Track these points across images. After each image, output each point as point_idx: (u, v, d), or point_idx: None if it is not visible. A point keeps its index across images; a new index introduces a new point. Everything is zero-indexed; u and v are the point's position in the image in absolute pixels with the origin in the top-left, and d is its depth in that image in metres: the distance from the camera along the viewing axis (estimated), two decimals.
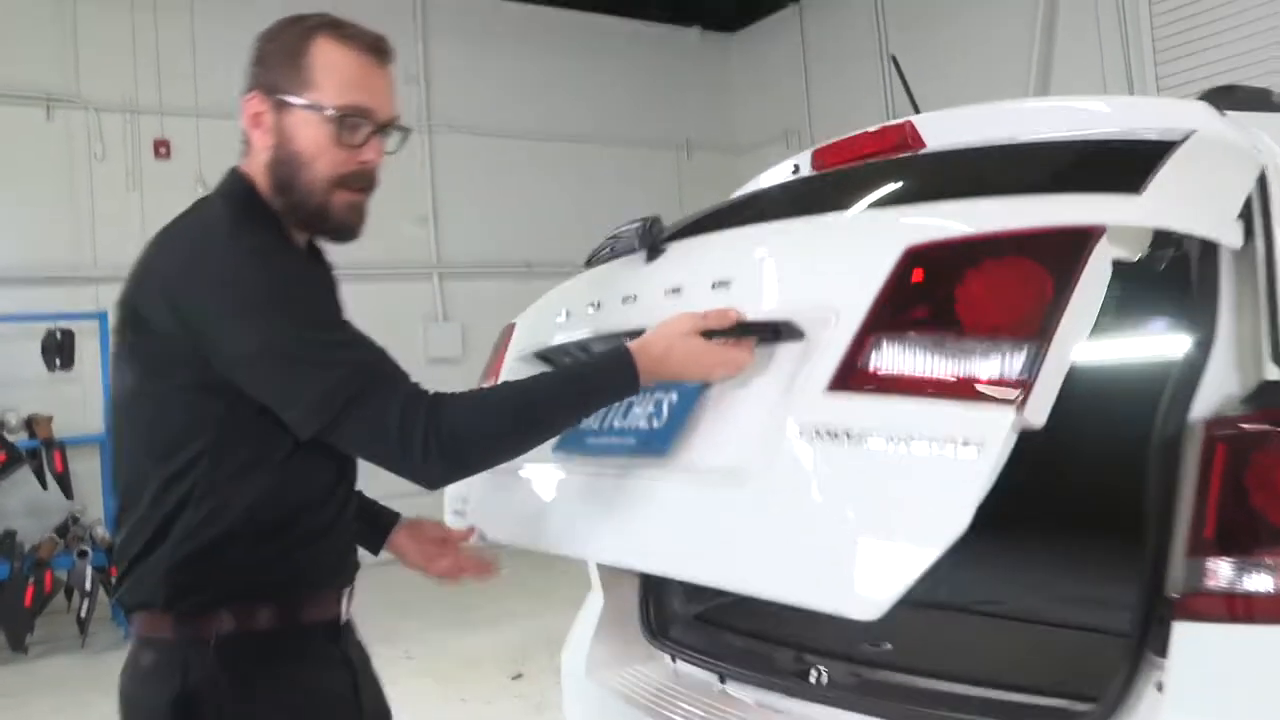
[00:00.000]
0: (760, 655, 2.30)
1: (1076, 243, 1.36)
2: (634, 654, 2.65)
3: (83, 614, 6.28)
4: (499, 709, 4.77)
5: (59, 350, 6.82)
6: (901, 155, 2.20)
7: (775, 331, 1.67)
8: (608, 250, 2.25)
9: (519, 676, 5.13)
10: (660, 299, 1.85)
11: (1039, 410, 1.29)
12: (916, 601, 2.57)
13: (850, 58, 9.84)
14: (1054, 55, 8.31)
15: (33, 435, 6.83)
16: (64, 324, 6.85)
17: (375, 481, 1.78)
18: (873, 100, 9.32)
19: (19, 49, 7.52)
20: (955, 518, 1.25)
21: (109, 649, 6.03)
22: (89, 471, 7.06)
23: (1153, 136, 1.73)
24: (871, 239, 1.67)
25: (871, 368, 1.45)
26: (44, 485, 6.82)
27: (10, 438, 6.70)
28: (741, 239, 2.02)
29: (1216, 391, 1.55)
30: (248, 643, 1.51)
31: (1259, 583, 1.40)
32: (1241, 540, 1.43)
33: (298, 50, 1.58)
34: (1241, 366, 1.57)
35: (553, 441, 1.75)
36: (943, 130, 2.19)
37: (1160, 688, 1.49)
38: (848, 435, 1.42)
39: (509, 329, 2.59)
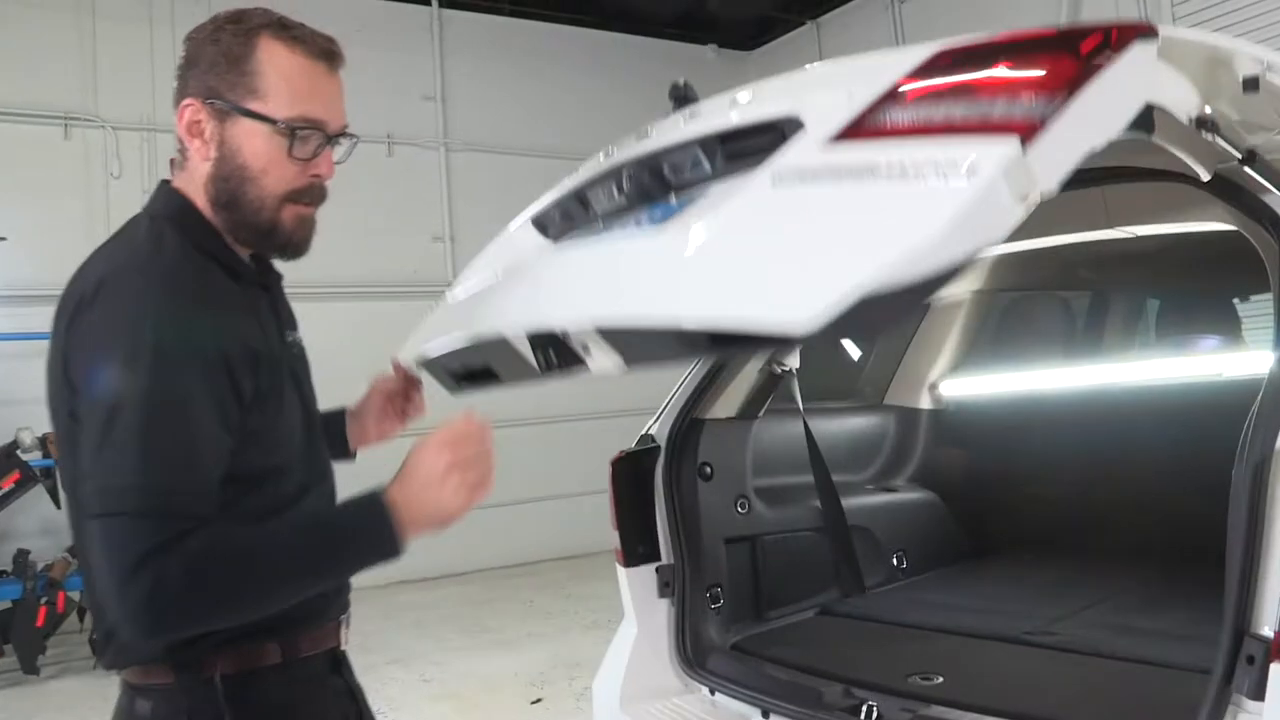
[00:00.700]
0: (806, 689, 2.20)
1: (1119, 37, 1.26)
2: (669, 686, 2.56)
3: (95, 635, 6.19)
4: None
5: None
6: None
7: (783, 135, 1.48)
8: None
9: (539, 701, 5.02)
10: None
11: (1049, 167, 1.14)
12: (968, 631, 2.52)
13: None
14: None
15: (47, 454, 6.77)
16: None
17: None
18: None
19: (38, 68, 7.50)
20: (925, 232, 1.07)
21: None
22: None
23: None
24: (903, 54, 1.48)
25: (883, 120, 1.31)
26: (58, 504, 6.74)
27: (25, 456, 6.65)
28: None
29: None
30: (251, 680, 1.43)
31: None
32: None
33: (241, 54, 1.42)
34: None
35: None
36: None
37: None
38: (843, 172, 1.26)
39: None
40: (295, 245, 1.51)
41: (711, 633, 2.61)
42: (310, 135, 1.45)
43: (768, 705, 2.24)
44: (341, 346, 8.77)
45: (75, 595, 6.36)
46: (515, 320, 1.67)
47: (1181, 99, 1.49)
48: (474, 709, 4.99)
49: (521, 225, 2.12)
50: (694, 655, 2.54)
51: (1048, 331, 3.31)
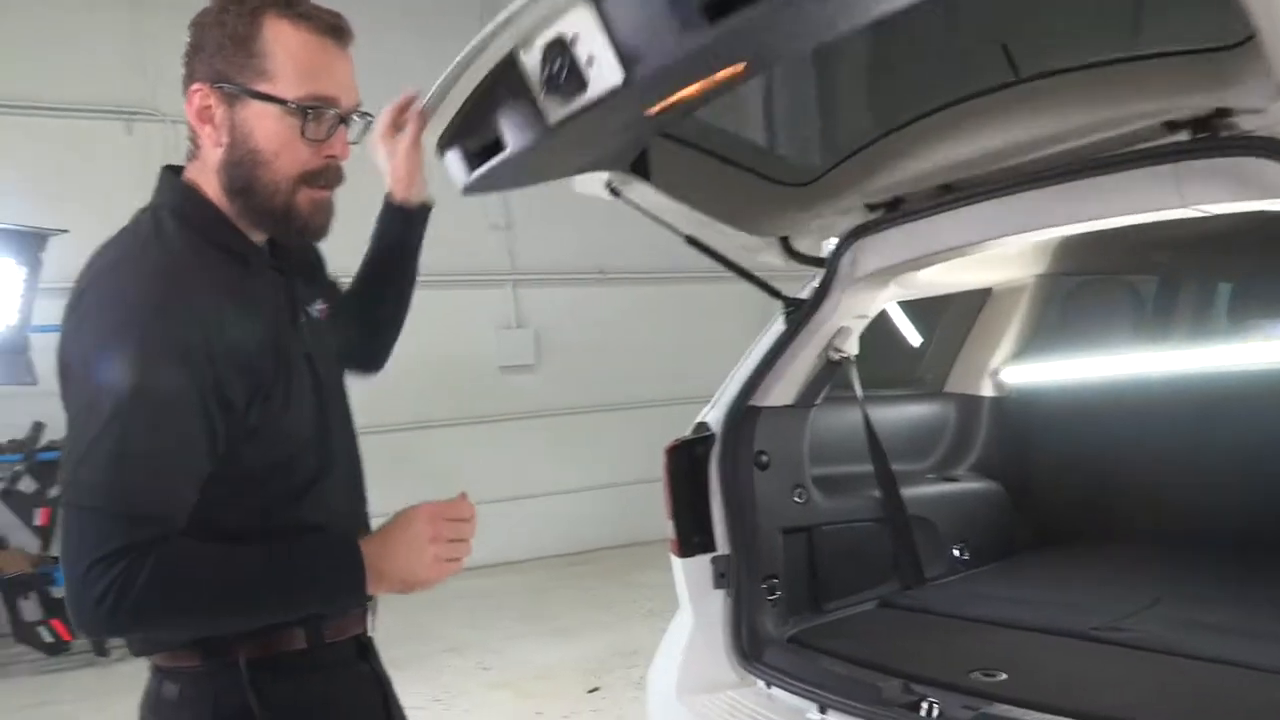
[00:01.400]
0: (865, 684, 2.16)
1: None
2: (725, 678, 2.52)
3: None
4: None
5: None
6: None
7: None
8: None
9: (596, 690, 5.03)
10: None
11: None
12: (1031, 626, 2.45)
13: None
14: None
15: None
16: None
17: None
18: None
19: (98, 64, 7.61)
20: None
21: None
22: None
23: None
24: None
25: None
26: None
27: None
28: None
29: None
30: (278, 665, 1.43)
31: None
32: None
33: (247, 34, 1.39)
34: None
35: None
36: None
37: None
38: None
39: None
40: (313, 229, 1.50)
41: (768, 625, 2.57)
42: (323, 114, 1.43)
43: (825, 700, 2.19)
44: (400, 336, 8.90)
45: None
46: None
47: None
48: (531, 697, 5.01)
49: None
50: (750, 647, 2.51)
51: (1114, 317, 3.20)
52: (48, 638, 6.18)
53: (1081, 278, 3.41)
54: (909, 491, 3.01)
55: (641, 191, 2.48)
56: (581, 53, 1.59)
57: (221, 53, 1.40)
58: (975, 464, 3.45)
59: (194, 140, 1.47)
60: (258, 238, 1.50)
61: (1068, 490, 3.37)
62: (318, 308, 1.62)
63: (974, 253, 2.56)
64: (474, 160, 1.94)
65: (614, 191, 2.47)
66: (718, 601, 2.58)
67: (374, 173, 1.82)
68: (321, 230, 1.51)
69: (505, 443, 8.74)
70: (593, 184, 2.47)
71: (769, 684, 2.41)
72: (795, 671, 2.36)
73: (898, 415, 3.39)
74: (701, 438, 2.66)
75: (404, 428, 7.97)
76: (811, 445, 2.83)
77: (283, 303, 1.51)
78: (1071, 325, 3.36)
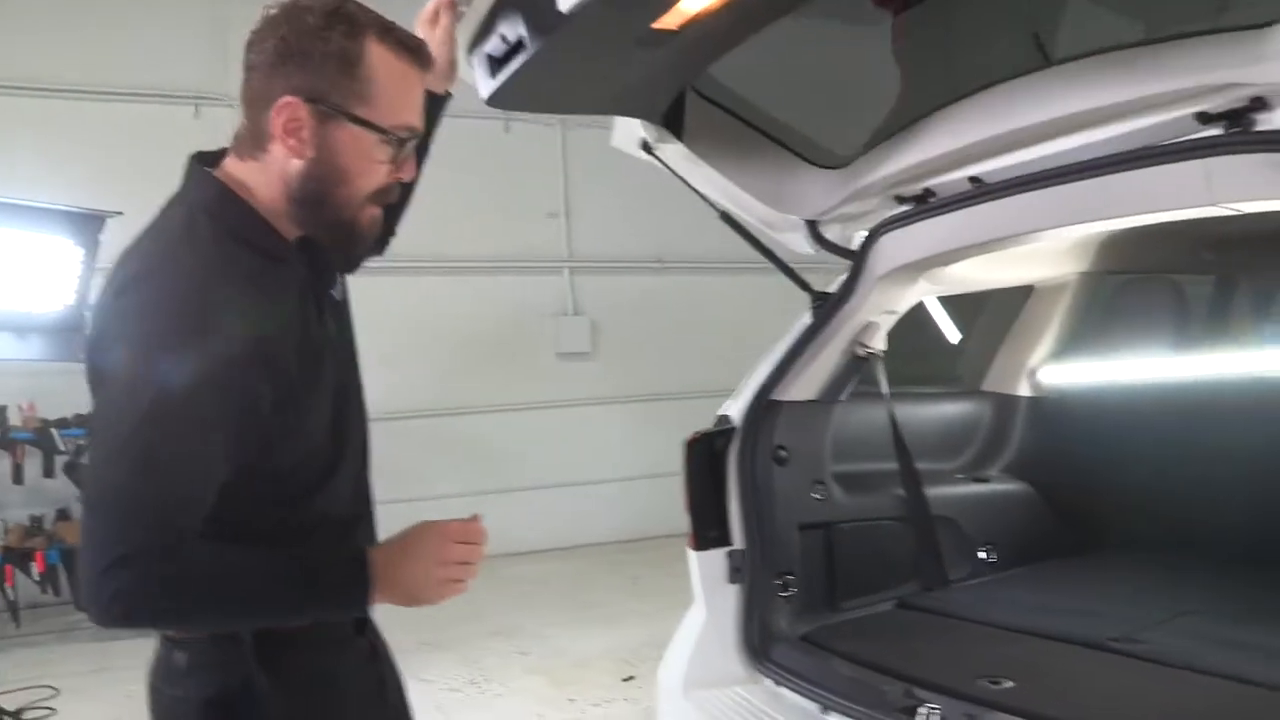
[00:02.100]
0: (868, 687, 2.13)
1: None
2: (734, 674, 2.50)
3: None
4: (606, 712, 4.67)
5: None
6: None
7: None
8: None
9: (630, 679, 5.03)
10: None
11: None
12: (1047, 634, 2.38)
13: None
14: None
15: None
16: None
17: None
18: None
19: (169, 49, 7.74)
20: None
21: None
22: None
23: None
24: None
25: None
26: None
27: None
28: None
29: None
30: (283, 638, 1.47)
31: None
32: None
33: (353, 58, 1.39)
34: None
35: None
36: None
37: None
38: None
39: None
40: (367, 242, 1.54)
41: (780, 621, 2.55)
42: (407, 141, 1.46)
43: (827, 701, 2.16)
44: (456, 323, 8.96)
45: None
46: None
47: None
48: (566, 684, 5.03)
49: None
50: (760, 644, 2.49)
51: (1158, 318, 3.10)
52: None
53: (1125, 276, 3.31)
54: (936, 491, 2.95)
55: (674, 152, 2.50)
56: None
57: (323, 71, 1.39)
58: (1008, 465, 3.37)
59: (256, 140, 1.45)
60: (292, 232, 1.50)
61: (1103, 495, 3.26)
62: (338, 287, 1.64)
63: (1003, 248, 2.50)
64: (497, 67, 1.97)
65: (648, 149, 2.53)
66: (731, 596, 2.56)
67: None
68: (371, 243, 1.56)
69: (563, 429, 8.78)
70: (629, 142, 2.50)
71: (776, 682, 2.38)
72: (801, 670, 2.33)
73: (930, 413, 3.33)
74: (722, 430, 2.64)
75: (464, 411, 8.07)
76: (839, 441, 2.79)
77: (310, 297, 1.53)
78: (1115, 325, 3.26)
